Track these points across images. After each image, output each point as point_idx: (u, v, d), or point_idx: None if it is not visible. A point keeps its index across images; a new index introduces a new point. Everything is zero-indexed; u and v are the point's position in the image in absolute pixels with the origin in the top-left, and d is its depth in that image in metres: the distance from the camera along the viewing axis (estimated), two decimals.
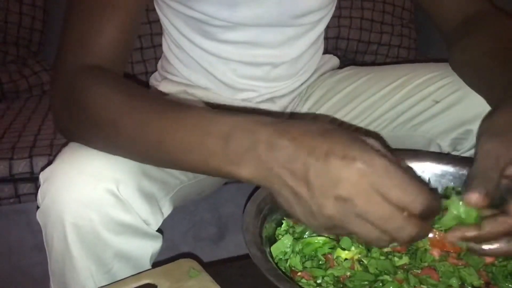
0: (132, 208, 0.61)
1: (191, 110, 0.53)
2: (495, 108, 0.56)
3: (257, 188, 0.59)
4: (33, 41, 1.42)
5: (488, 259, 0.55)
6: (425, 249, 0.56)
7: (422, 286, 0.52)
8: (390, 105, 0.82)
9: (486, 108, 0.60)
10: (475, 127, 0.60)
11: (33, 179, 1.07)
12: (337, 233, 0.47)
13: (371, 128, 0.84)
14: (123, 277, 0.61)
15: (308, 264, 0.54)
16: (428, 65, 0.83)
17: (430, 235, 0.54)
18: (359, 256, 0.55)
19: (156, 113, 0.54)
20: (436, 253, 0.56)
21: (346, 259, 0.55)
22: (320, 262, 0.55)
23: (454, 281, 0.52)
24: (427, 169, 0.64)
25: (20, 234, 1.09)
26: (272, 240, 0.57)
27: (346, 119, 0.86)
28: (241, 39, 0.81)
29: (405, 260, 0.55)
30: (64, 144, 0.65)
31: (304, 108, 0.93)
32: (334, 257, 0.55)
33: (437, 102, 0.76)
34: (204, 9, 0.76)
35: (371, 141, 0.45)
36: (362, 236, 0.44)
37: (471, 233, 0.47)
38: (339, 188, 0.42)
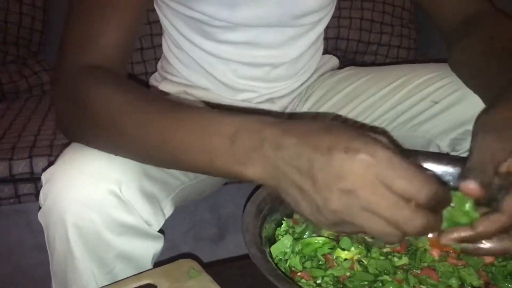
0: (134, 208, 0.61)
1: (194, 110, 0.53)
2: (491, 105, 0.56)
3: (257, 188, 0.59)
4: (33, 41, 1.43)
5: (488, 259, 0.55)
6: (425, 249, 0.56)
7: (421, 286, 0.52)
8: (389, 105, 0.82)
9: None
10: None
11: (33, 179, 1.07)
12: (345, 230, 0.45)
13: None
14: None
15: (307, 264, 0.54)
16: (427, 66, 0.83)
17: (430, 235, 0.54)
18: (359, 256, 0.55)
19: (158, 113, 0.54)
20: (435, 253, 0.56)
21: (345, 259, 0.55)
22: (319, 263, 0.55)
23: (453, 281, 0.52)
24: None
25: (20, 234, 1.09)
26: (272, 240, 0.57)
27: None
28: (241, 39, 0.81)
29: (404, 260, 0.55)
30: (66, 145, 0.65)
31: (304, 109, 0.93)
32: (334, 257, 0.55)
33: (436, 102, 0.77)
34: (204, 10, 0.76)
35: (376, 135, 0.45)
36: (370, 231, 0.43)
37: (465, 233, 0.46)
38: (343, 181, 0.42)
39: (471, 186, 0.46)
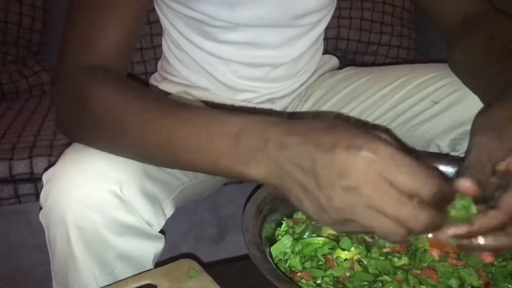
0: (135, 209, 0.61)
1: (196, 109, 0.53)
2: (489, 104, 0.56)
3: (257, 188, 0.60)
4: (33, 41, 1.42)
5: (488, 260, 0.55)
6: (425, 250, 0.56)
7: (421, 286, 0.52)
8: (389, 105, 0.82)
9: None
10: None
11: (33, 180, 1.07)
12: (349, 229, 0.45)
13: None
14: None
15: (307, 264, 0.55)
16: (427, 66, 0.84)
17: (429, 235, 0.54)
18: (359, 256, 0.55)
19: (160, 113, 0.54)
20: (435, 253, 0.56)
21: (345, 259, 0.55)
22: (319, 263, 0.55)
23: (453, 282, 0.52)
24: None
25: (20, 234, 1.09)
26: (272, 240, 0.57)
27: None
28: (241, 39, 0.81)
29: (404, 260, 0.55)
30: (66, 145, 0.65)
31: (304, 109, 0.93)
32: (334, 258, 0.55)
33: (436, 102, 0.77)
34: (204, 10, 0.76)
35: (378, 133, 0.45)
36: (375, 229, 0.43)
37: (462, 229, 0.46)
38: (345, 178, 0.42)
39: (467, 184, 0.46)
